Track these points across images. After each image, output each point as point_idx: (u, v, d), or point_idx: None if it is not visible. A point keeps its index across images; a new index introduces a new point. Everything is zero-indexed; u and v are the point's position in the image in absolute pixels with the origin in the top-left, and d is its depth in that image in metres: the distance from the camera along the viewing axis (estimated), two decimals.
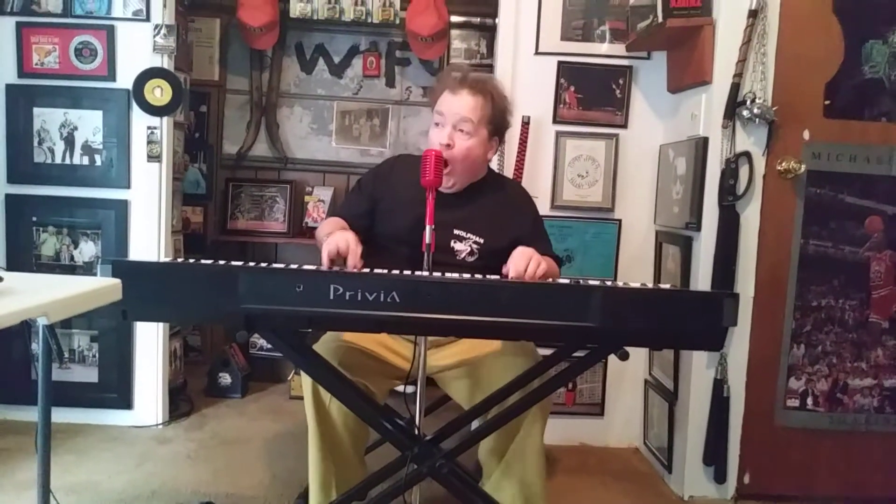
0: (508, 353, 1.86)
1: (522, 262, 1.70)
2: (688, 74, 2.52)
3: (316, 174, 3.77)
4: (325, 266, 1.64)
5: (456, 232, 1.93)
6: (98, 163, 2.78)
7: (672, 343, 1.98)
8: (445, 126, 1.91)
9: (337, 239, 1.68)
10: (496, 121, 1.97)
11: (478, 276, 1.59)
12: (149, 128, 2.77)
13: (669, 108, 2.74)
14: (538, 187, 2.76)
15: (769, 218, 2.35)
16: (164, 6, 2.73)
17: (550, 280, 1.75)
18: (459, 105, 1.91)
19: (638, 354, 2.83)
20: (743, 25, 2.28)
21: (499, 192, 2.06)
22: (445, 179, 1.86)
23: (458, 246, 1.94)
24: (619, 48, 2.77)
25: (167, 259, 2.62)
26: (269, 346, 3.37)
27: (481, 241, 1.94)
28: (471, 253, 1.94)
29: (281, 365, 3.58)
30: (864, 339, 2.41)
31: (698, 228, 2.40)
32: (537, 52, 2.77)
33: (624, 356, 1.53)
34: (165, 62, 2.76)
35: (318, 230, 2.00)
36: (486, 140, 1.96)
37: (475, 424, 2.00)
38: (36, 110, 2.76)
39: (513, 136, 2.74)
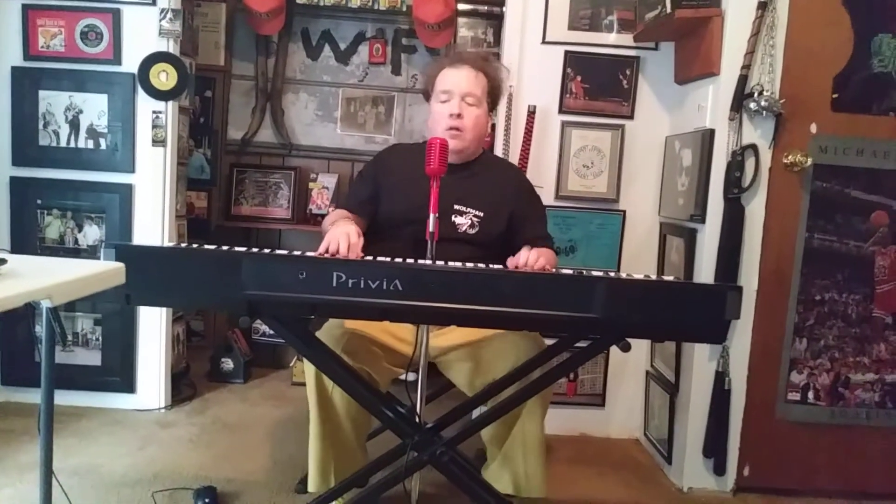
0: (511, 336, 1.86)
1: (523, 255, 1.74)
2: (695, 66, 2.51)
3: (321, 161, 3.76)
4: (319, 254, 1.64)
5: (456, 207, 1.98)
6: (103, 146, 2.78)
7: (674, 335, 1.98)
8: (453, 99, 2.00)
9: (339, 234, 1.68)
10: (494, 94, 2.11)
11: (480, 265, 1.59)
12: (154, 112, 2.76)
13: (676, 100, 2.72)
14: (543, 177, 2.76)
15: (774, 211, 2.34)
16: None
17: (553, 270, 1.76)
18: (463, 78, 2.02)
19: (639, 346, 2.83)
20: (752, 17, 2.26)
21: (495, 168, 2.17)
22: (457, 144, 1.97)
23: (458, 220, 1.98)
24: (627, 38, 2.76)
25: (171, 244, 2.63)
26: (272, 332, 3.38)
27: (481, 213, 1.99)
28: (471, 226, 1.98)
29: (283, 351, 3.59)
30: (866, 333, 2.41)
31: (703, 220, 2.39)
32: (544, 42, 2.76)
33: (626, 347, 1.53)
34: (171, 46, 2.75)
35: (325, 222, 2.04)
36: (487, 112, 2.09)
37: (476, 412, 2.00)
38: (41, 93, 2.76)
39: (519, 125, 2.74)
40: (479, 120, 2.03)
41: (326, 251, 1.65)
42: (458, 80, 2.02)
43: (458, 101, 2.00)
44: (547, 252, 1.92)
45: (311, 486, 1.87)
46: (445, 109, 2.01)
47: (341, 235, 1.67)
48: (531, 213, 2.11)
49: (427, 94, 2.14)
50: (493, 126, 2.74)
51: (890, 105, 2.34)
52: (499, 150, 2.74)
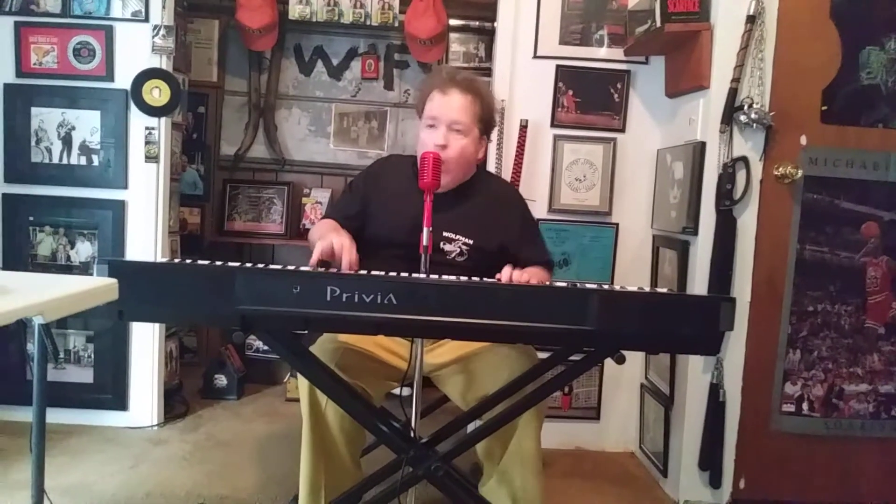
0: (503, 351, 1.85)
1: (506, 273, 1.70)
2: (685, 79, 2.53)
3: (314, 176, 3.77)
4: (312, 264, 1.64)
5: (445, 234, 1.93)
6: (95, 163, 2.77)
7: (668, 347, 1.98)
8: (439, 127, 1.93)
9: (332, 240, 1.68)
10: (485, 119, 2.01)
11: (475, 278, 1.58)
12: (147, 128, 2.76)
13: (667, 113, 2.74)
14: (536, 191, 2.77)
15: (766, 223, 2.35)
16: (164, 7, 2.72)
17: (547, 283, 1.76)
18: (451, 105, 1.94)
19: (634, 358, 2.83)
20: (741, 31, 2.28)
21: (488, 192, 2.07)
22: (441, 179, 1.88)
23: (447, 247, 1.94)
24: (618, 52, 2.78)
25: (164, 259, 2.62)
26: (266, 347, 3.37)
27: (470, 241, 1.95)
28: (460, 254, 1.94)
29: (277, 367, 3.57)
30: (859, 344, 2.41)
31: (695, 233, 2.40)
32: (536, 56, 2.78)
33: (620, 360, 1.53)
34: (164, 63, 2.76)
35: (311, 232, 2.00)
36: (478, 139, 1.99)
37: (472, 426, 1.99)
38: (34, 110, 2.75)
39: (511, 139, 2.75)
40: (466, 149, 1.94)
41: (322, 256, 1.64)
42: (445, 108, 1.93)
43: (444, 131, 1.92)
44: (537, 271, 1.87)
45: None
46: (430, 138, 1.93)
47: (335, 241, 1.66)
48: (525, 239, 2.03)
49: (420, 111, 2.06)
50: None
51: (878, 116, 2.36)
52: (491, 165, 2.75)
